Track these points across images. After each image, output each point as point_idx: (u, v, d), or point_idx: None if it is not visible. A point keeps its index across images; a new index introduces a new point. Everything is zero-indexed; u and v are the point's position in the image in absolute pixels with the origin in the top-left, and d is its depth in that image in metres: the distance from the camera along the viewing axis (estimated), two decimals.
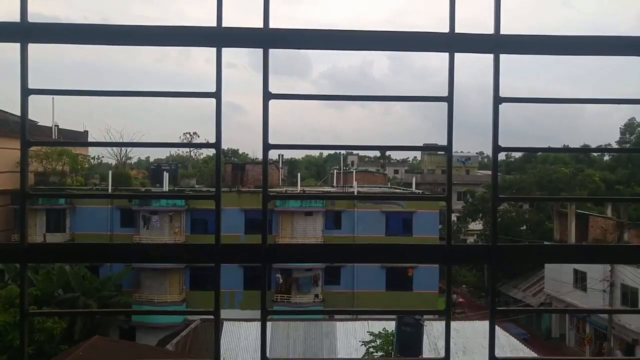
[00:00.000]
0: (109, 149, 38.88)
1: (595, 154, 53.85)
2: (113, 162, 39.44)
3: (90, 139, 37.34)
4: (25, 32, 1.26)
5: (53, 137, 32.19)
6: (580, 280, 27.58)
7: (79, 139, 35.79)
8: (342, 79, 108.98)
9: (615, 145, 47.95)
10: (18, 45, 1.27)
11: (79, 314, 28.18)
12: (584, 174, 42.08)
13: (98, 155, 42.67)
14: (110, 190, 26.69)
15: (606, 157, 53.57)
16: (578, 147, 43.16)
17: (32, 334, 18.85)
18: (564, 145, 42.27)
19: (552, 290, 29.54)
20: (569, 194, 35.92)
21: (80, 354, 14.07)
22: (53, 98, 29.91)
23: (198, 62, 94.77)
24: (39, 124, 31.94)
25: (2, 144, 26.28)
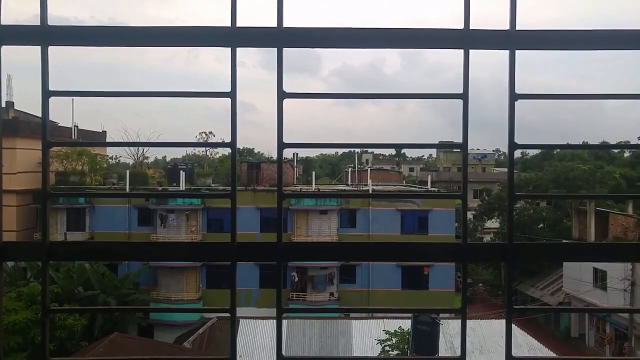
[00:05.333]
0: (127, 148, 39.49)
1: (615, 151, 52.76)
2: (130, 161, 40.02)
3: (108, 139, 37.93)
4: (45, 35, 1.29)
5: (73, 137, 32.80)
6: (600, 279, 27.05)
7: (98, 139, 36.39)
8: (353, 76, 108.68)
9: (636, 142, 46.82)
10: (39, 47, 1.30)
11: (98, 311, 28.67)
12: (603, 170, 41.22)
13: (116, 155, 43.39)
14: (127, 190, 27.08)
15: (626, 154, 52.47)
16: (597, 143, 42.25)
17: (54, 330, 19.24)
18: (583, 141, 41.43)
19: (571, 289, 29.04)
20: (588, 192, 35.23)
21: (101, 350, 14.33)
22: (73, 99, 30.49)
23: (208, 60, 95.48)
24: (59, 124, 32.57)
25: (24, 145, 26.87)
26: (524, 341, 19.27)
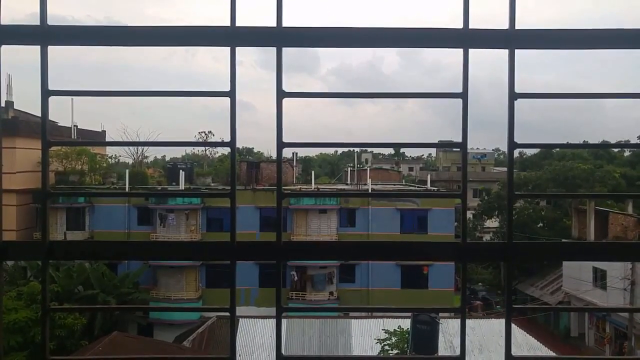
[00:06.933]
0: (126, 148, 39.49)
1: (615, 150, 52.78)
2: (130, 161, 40.02)
3: (107, 139, 37.93)
4: (45, 35, 1.29)
5: (72, 137, 32.78)
6: (599, 278, 27.06)
7: (97, 138, 36.38)
8: (352, 75, 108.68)
9: (636, 141, 46.84)
10: (38, 47, 1.29)
11: (98, 310, 28.70)
12: (603, 170, 41.22)
13: (115, 155, 43.31)
14: (127, 189, 27.05)
15: (626, 153, 52.47)
16: (597, 142, 42.21)
17: (54, 329, 19.24)
18: (583, 141, 41.41)
19: (571, 288, 29.04)
20: (587, 191, 35.23)
21: (100, 349, 14.35)
22: (72, 99, 30.47)
23: (205, 59, 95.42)
24: (58, 124, 32.55)
25: (24, 144, 26.86)
26: (523, 340, 19.28)
